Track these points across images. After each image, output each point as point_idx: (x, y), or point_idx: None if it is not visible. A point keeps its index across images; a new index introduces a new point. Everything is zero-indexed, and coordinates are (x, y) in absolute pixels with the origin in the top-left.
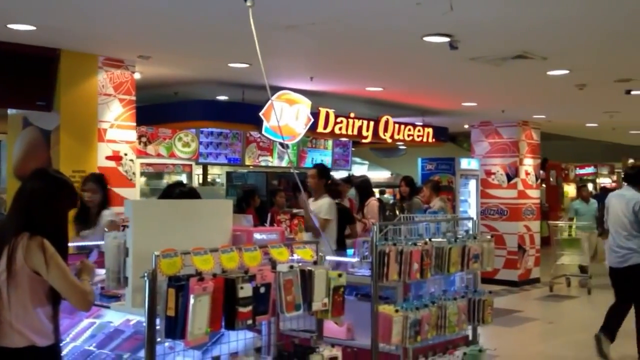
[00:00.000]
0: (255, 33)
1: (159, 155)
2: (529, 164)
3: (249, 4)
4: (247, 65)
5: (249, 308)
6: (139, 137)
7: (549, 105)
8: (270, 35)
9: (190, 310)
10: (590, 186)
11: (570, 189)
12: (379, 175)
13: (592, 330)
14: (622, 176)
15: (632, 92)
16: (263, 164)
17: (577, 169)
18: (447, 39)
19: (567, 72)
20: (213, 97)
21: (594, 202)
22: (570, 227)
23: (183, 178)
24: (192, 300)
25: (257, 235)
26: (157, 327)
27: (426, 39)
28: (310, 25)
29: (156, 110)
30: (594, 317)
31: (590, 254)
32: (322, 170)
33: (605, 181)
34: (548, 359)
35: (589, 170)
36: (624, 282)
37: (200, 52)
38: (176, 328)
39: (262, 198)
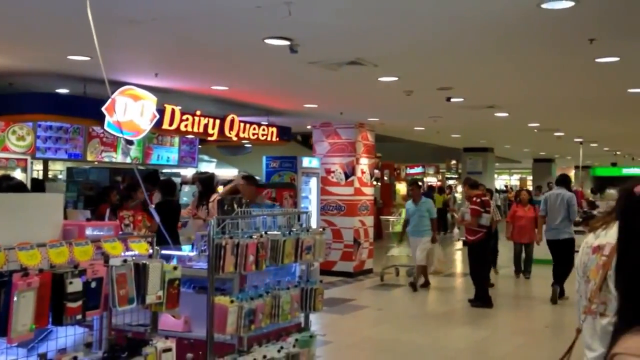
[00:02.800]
0: (93, 26)
1: None
2: (364, 163)
3: None
4: (88, 59)
5: (79, 303)
6: None
7: (382, 108)
8: (112, 29)
9: (13, 307)
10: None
11: (401, 187)
12: (226, 172)
13: (415, 314)
14: (555, 180)
15: (452, 100)
16: (106, 159)
17: (408, 168)
18: (287, 43)
19: (396, 78)
20: (52, 90)
21: (425, 202)
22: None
23: (17, 173)
24: (15, 297)
25: (89, 230)
26: None
27: (267, 41)
28: (152, 21)
29: None
30: (417, 302)
31: (419, 262)
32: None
33: (431, 180)
34: (376, 342)
35: (418, 170)
36: (557, 250)
37: (37, 42)
38: None
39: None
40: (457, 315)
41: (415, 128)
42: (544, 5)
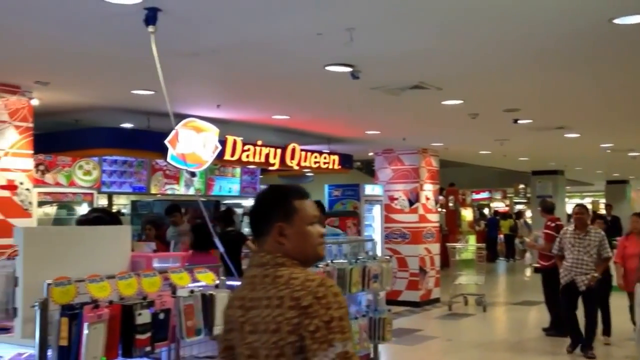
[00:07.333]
0: (157, 60)
1: (57, 184)
2: (428, 190)
3: (150, 30)
4: (152, 92)
5: (148, 335)
6: (36, 166)
7: (446, 133)
8: (174, 62)
9: (84, 339)
10: (486, 210)
11: (467, 214)
12: None
13: (486, 344)
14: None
15: (519, 121)
16: (169, 192)
17: (474, 194)
18: (348, 69)
19: (460, 102)
20: (117, 125)
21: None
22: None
23: (83, 208)
24: (85, 329)
25: (156, 262)
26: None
27: (328, 68)
28: (213, 53)
29: (56, 137)
30: (488, 332)
31: None
32: None
33: (498, 205)
34: None
35: (484, 195)
36: None
37: (102, 78)
38: (69, 358)
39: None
40: (531, 345)
41: (481, 152)
42: (615, 21)
